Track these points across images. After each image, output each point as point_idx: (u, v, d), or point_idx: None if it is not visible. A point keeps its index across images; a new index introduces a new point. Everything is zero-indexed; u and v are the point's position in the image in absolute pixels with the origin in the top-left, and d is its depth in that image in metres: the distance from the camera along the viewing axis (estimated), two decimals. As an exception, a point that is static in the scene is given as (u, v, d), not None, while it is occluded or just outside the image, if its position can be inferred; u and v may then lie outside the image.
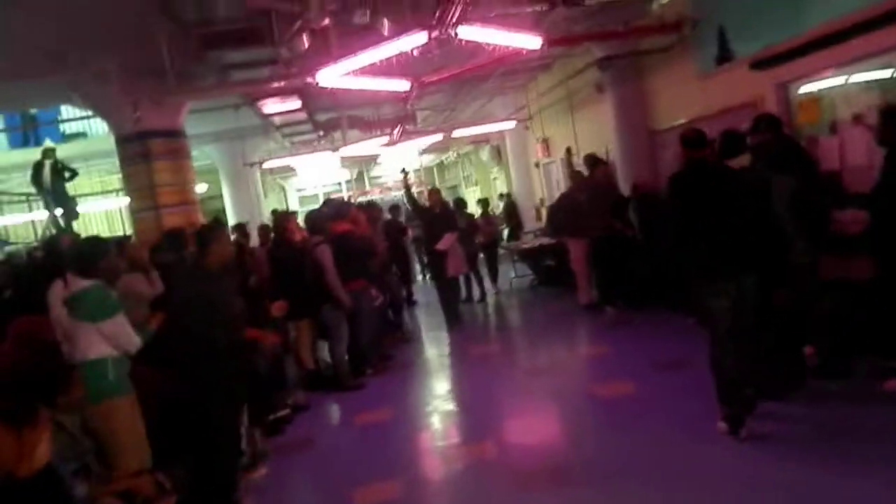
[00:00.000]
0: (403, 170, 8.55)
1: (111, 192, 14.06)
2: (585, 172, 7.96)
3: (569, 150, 8.22)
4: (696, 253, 3.85)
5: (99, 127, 12.18)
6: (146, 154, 7.43)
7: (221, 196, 14.26)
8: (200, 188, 9.06)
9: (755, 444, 3.56)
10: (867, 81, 5.22)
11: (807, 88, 5.88)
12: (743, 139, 4.35)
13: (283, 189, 20.37)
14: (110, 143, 8.15)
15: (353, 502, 3.73)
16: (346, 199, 13.92)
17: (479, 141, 16.85)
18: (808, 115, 5.83)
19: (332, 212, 6.74)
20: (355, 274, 6.15)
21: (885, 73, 5.02)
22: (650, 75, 8.36)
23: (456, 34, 4.77)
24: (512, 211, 13.10)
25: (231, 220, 13.54)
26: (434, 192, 8.57)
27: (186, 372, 3.72)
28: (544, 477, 3.63)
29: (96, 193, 14.25)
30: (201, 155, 13.20)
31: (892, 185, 3.71)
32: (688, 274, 4.10)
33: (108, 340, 3.29)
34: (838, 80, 5.51)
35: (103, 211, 14.09)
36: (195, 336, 3.66)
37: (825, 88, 5.68)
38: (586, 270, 7.46)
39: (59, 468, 2.46)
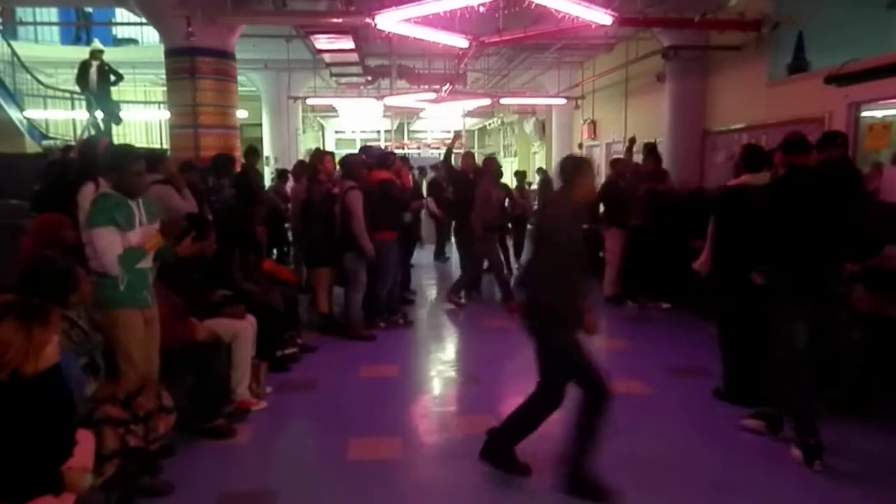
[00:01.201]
0: (457, 132, 8.41)
1: (154, 103, 14.07)
2: (633, 160, 7.75)
3: (633, 140, 7.96)
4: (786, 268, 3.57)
5: (151, 35, 12.10)
6: (193, 70, 7.38)
7: (260, 125, 14.23)
8: (241, 114, 8.98)
9: (773, 457, 3.47)
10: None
11: (880, 112, 5.61)
12: (766, 154, 4.19)
13: (322, 128, 20.29)
14: (159, 53, 8.10)
15: (348, 451, 3.70)
16: (383, 148, 13.76)
17: (525, 112, 16.58)
18: (876, 140, 5.58)
19: (371, 159, 6.63)
20: (388, 225, 6.08)
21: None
22: (715, 73, 8.05)
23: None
24: (547, 188, 12.87)
25: (267, 151, 13.56)
26: (468, 156, 8.39)
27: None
28: (544, 461, 3.57)
29: (139, 102, 14.27)
30: (246, 81, 13.12)
31: None
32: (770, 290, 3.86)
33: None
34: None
35: (143, 121, 14.10)
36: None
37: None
38: (618, 262, 7.30)
39: (68, 365, 2.45)
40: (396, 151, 9.41)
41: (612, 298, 7.38)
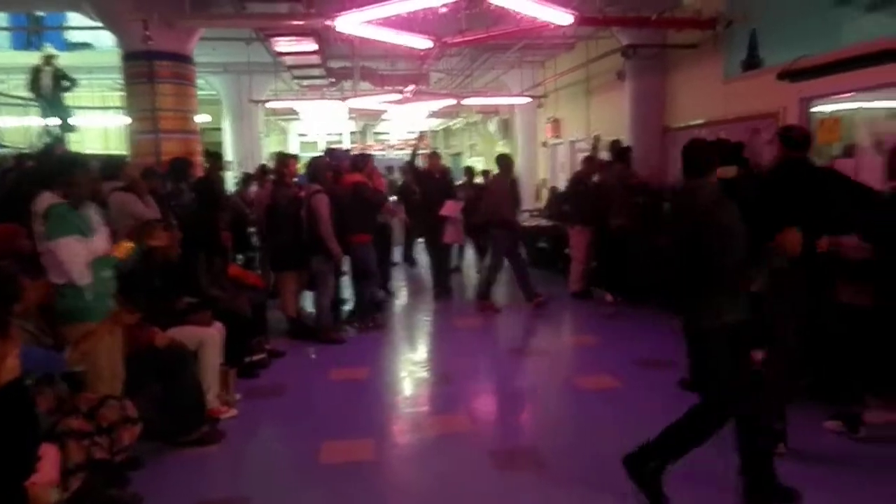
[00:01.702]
0: (422, 133, 8.42)
1: (111, 108, 13.75)
2: (601, 157, 7.85)
3: (597, 138, 8.05)
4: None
5: (106, 39, 11.82)
6: (151, 75, 7.24)
7: (220, 130, 14.02)
8: (202, 118, 8.85)
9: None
10: (891, 109, 5.14)
11: (830, 107, 5.79)
12: (738, 150, 4.28)
13: (285, 132, 20.10)
14: (115, 57, 7.92)
15: (320, 455, 3.69)
16: (348, 150, 13.68)
17: (488, 112, 16.66)
18: (828, 134, 5.75)
19: (335, 162, 6.62)
20: (363, 227, 6.07)
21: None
22: (674, 71, 8.22)
23: (489, -4, 4.62)
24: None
25: (229, 156, 13.37)
26: (434, 157, 8.40)
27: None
28: (515, 457, 3.62)
29: (96, 108, 13.93)
30: (205, 85, 12.91)
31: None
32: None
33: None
34: (862, 104, 5.42)
35: (101, 127, 13.78)
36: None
37: (848, 110, 5.59)
38: (584, 258, 7.39)
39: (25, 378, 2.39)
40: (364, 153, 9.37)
41: (578, 294, 7.48)
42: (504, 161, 7.46)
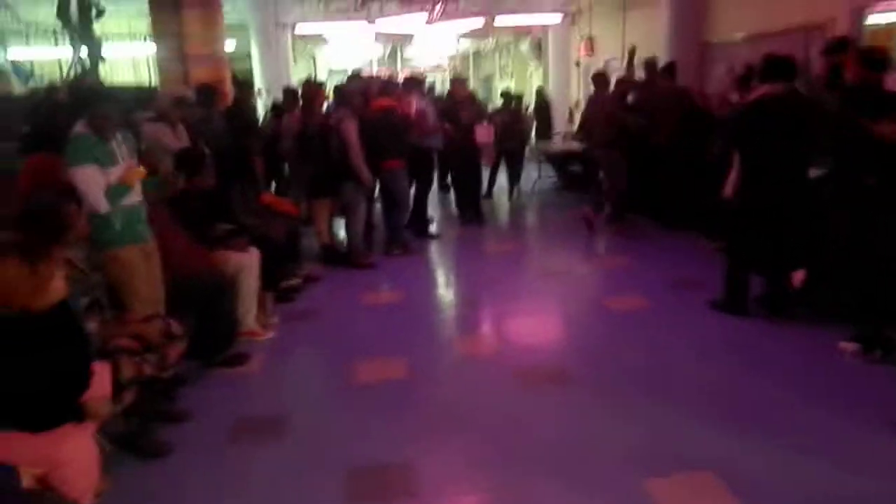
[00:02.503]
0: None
1: (139, 37, 13.66)
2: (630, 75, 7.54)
3: (633, 51, 7.64)
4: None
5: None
6: (176, 0, 7.15)
7: (249, 56, 13.87)
8: (229, 45, 8.73)
9: (761, 360, 3.60)
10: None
11: (883, 18, 5.45)
12: (791, 64, 4.07)
13: (313, 58, 19.79)
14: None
15: (354, 374, 3.83)
16: (374, 74, 13.42)
17: (520, 32, 16.08)
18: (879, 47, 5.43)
19: (363, 86, 6.52)
20: (393, 153, 6.06)
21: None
22: (716, -20, 7.79)
23: None
24: (543, 110, 12.65)
25: (258, 83, 13.27)
26: (457, 83, 8.13)
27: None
28: (544, 376, 3.70)
29: (123, 37, 13.85)
30: (232, 10, 12.70)
31: None
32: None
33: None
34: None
35: (130, 58, 13.73)
36: None
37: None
38: (616, 182, 7.24)
39: (71, 304, 2.50)
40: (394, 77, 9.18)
41: (612, 217, 7.39)
42: (600, 78, 7.18)
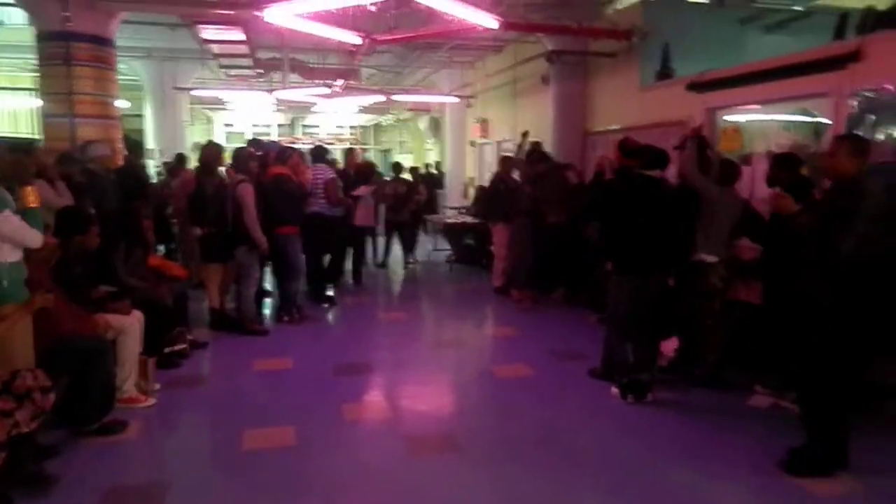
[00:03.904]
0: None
1: (21, 90, 13.06)
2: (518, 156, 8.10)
3: (525, 134, 8.26)
4: (614, 250, 4.43)
5: (16, 16, 11.23)
6: (68, 57, 6.98)
7: (141, 116, 13.57)
8: (121, 104, 8.54)
9: (633, 427, 3.85)
10: (784, 121, 5.62)
11: (733, 117, 6.25)
12: (664, 155, 4.61)
13: (211, 121, 19.60)
14: (26, 35, 7.59)
15: (242, 442, 3.73)
16: (275, 142, 13.50)
17: (419, 109, 16.79)
18: (730, 142, 6.20)
19: (264, 152, 6.60)
20: (288, 219, 6.09)
21: (799, 118, 5.43)
22: (595, 77, 8.60)
23: (418, -4, 4.76)
24: (430, 183, 13.02)
25: (151, 144, 12.96)
26: (351, 153, 8.66)
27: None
28: (434, 443, 3.78)
29: (5, 89, 13.19)
30: (128, 70, 12.48)
31: (777, 222, 4.02)
32: (605, 268, 4.48)
33: (4, 240, 3.12)
34: (759, 116, 5.90)
35: (9, 110, 13.06)
36: None
37: (747, 120, 6.06)
38: (504, 254, 7.64)
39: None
40: (293, 146, 9.35)
41: (500, 289, 7.73)
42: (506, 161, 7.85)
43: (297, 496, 3.15)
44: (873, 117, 4.53)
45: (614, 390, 4.45)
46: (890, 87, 4.41)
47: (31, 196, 3.29)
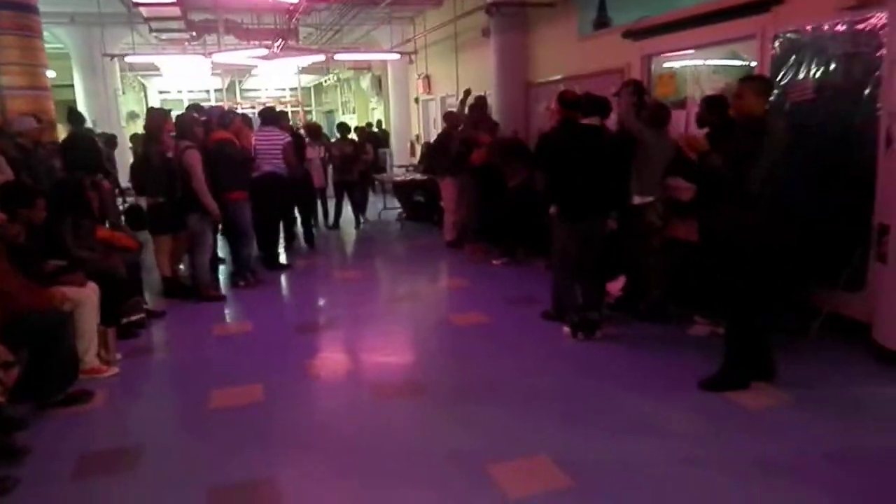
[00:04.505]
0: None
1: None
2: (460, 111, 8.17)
3: (467, 91, 8.31)
4: (558, 198, 4.59)
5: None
6: (-10, 25, 6.68)
7: (71, 87, 13.03)
8: (49, 74, 8.19)
9: (585, 363, 4.11)
10: (715, 65, 5.85)
11: (667, 64, 6.45)
12: (607, 102, 4.79)
13: (144, 88, 18.90)
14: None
15: (208, 403, 3.83)
16: (215, 106, 13.18)
17: (361, 67, 16.58)
18: (665, 88, 6.42)
19: (207, 118, 6.50)
20: (236, 185, 6.07)
21: (729, 61, 5.66)
22: (535, 28, 8.67)
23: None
24: (375, 142, 12.96)
25: (84, 114, 12.49)
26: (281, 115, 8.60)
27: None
28: (396, 389, 3.95)
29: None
30: (51, 38, 11.91)
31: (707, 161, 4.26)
32: (548, 216, 4.66)
33: None
34: (692, 61, 6.11)
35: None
36: None
37: (681, 66, 6.28)
38: (454, 209, 7.78)
39: None
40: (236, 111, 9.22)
41: (453, 243, 7.90)
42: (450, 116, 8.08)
43: (268, 446, 3.28)
44: (793, 57, 4.78)
45: (566, 329, 4.70)
46: (808, 27, 4.65)
47: None
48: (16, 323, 3.46)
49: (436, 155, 7.94)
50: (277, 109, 8.49)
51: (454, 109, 8.70)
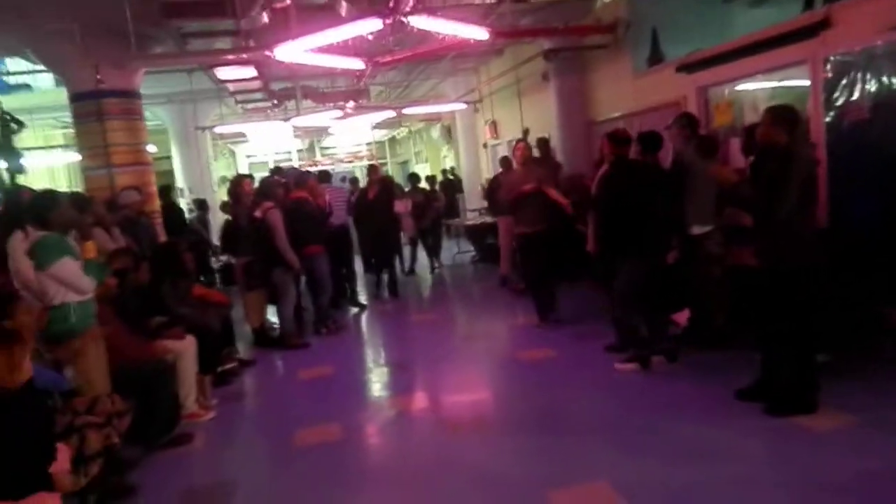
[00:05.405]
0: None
1: (54, 147, 13.87)
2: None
3: (526, 131, 8.59)
4: (619, 234, 4.69)
5: (44, 80, 11.99)
6: (100, 113, 7.54)
7: (170, 158, 14.27)
8: (150, 149, 9.11)
9: (650, 391, 4.19)
10: (772, 90, 5.88)
11: (723, 92, 6.51)
12: (659, 137, 4.94)
13: (233, 154, 20.30)
14: (56, 97, 8.17)
15: (294, 441, 4.17)
16: (296, 167, 14.08)
17: (430, 119, 17.20)
18: (723, 116, 6.47)
19: (287, 179, 7.09)
20: (311, 239, 6.55)
21: (784, 84, 5.68)
22: (591, 70, 8.91)
23: (408, 22, 5.15)
24: (450, 188, 13.41)
25: (180, 182, 13.63)
26: (373, 170, 8.99)
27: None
28: (467, 423, 4.17)
29: (38, 148, 14.02)
30: (151, 116, 13.16)
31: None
32: (610, 252, 4.82)
33: (62, 284, 3.54)
34: (748, 87, 6.16)
35: (45, 167, 13.88)
36: None
37: (737, 93, 6.32)
38: (509, 245, 8.02)
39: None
40: (310, 169, 9.90)
41: (504, 278, 8.17)
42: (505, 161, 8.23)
43: (346, 480, 3.56)
44: (845, 79, 4.79)
45: (627, 365, 4.77)
46: (858, 48, 4.66)
47: (90, 249, 3.77)
48: (126, 374, 3.94)
49: (490, 196, 8.28)
50: (353, 165, 9.10)
51: (507, 155, 9.02)
